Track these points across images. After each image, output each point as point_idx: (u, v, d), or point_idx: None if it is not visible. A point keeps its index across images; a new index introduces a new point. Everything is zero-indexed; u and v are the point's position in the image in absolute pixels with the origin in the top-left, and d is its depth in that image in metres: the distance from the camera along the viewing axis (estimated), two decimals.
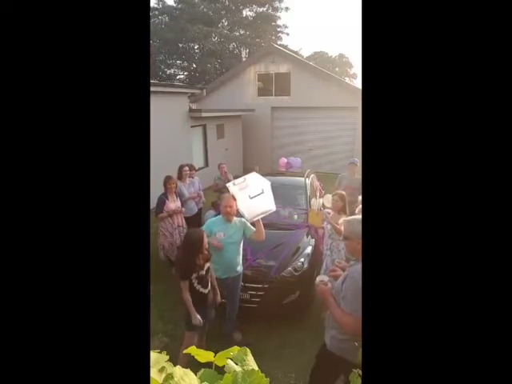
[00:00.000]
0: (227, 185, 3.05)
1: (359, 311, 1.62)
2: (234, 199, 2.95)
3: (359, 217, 1.92)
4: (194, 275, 2.57)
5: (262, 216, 2.99)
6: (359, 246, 1.77)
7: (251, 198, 2.96)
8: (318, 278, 2.00)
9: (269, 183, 3.08)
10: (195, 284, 2.59)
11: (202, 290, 2.63)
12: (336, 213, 3.46)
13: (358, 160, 5.04)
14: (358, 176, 4.88)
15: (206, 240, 2.59)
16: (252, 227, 3.06)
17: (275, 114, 11.47)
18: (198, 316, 2.51)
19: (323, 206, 5.21)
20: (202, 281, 2.63)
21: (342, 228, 3.23)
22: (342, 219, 2.05)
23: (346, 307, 1.72)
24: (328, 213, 3.62)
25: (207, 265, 2.67)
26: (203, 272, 2.61)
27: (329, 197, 4.10)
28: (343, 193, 3.57)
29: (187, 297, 2.54)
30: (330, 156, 10.99)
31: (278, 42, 22.00)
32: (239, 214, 3.08)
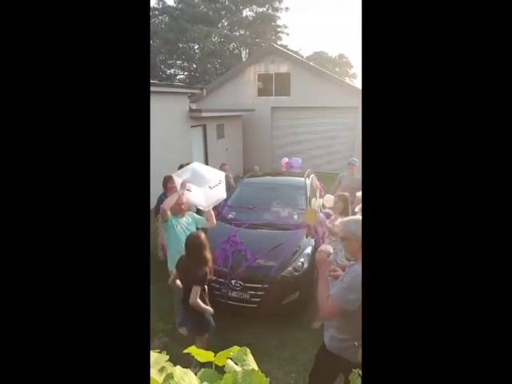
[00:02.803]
0: (173, 175, 3.40)
1: (343, 303, 1.67)
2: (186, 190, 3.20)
3: (357, 217, 1.92)
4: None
5: (216, 203, 3.41)
6: (357, 247, 1.78)
7: (211, 188, 3.30)
8: (323, 247, 1.93)
9: (223, 174, 3.51)
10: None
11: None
12: (338, 214, 3.40)
13: (358, 160, 5.04)
14: (357, 176, 4.88)
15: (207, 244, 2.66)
16: (201, 217, 3.40)
17: (275, 114, 11.46)
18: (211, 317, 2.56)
19: (323, 206, 5.20)
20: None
21: (338, 229, 3.25)
22: (339, 220, 2.03)
23: (334, 293, 1.75)
24: (329, 214, 3.61)
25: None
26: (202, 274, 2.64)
27: (329, 197, 4.10)
28: (345, 194, 3.50)
29: (199, 301, 2.54)
30: (329, 156, 10.99)
31: (278, 42, 21.97)
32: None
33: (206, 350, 0.67)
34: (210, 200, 3.28)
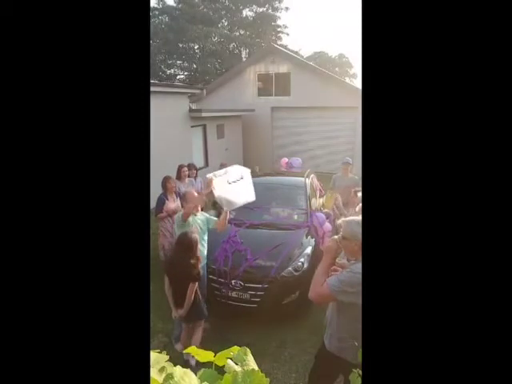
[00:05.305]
0: (208, 176, 3.07)
1: (336, 292, 1.69)
2: (200, 194, 3.21)
3: (358, 218, 1.90)
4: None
5: (240, 205, 3.09)
6: (356, 248, 1.77)
7: (229, 183, 2.95)
8: (337, 237, 1.91)
9: (249, 170, 3.13)
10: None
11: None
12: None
13: (352, 160, 5.25)
14: (351, 175, 4.98)
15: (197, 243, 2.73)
16: (214, 218, 3.31)
17: (275, 114, 11.46)
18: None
19: (323, 205, 5.21)
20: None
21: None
22: (342, 219, 2.01)
23: (330, 280, 1.75)
24: (328, 213, 3.62)
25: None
26: (197, 271, 2.73)
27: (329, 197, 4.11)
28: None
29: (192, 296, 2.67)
30: (329, 156, 10.99)
31: (278, 42, 21.98)
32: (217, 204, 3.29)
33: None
34: (232, 201, 2.92)
